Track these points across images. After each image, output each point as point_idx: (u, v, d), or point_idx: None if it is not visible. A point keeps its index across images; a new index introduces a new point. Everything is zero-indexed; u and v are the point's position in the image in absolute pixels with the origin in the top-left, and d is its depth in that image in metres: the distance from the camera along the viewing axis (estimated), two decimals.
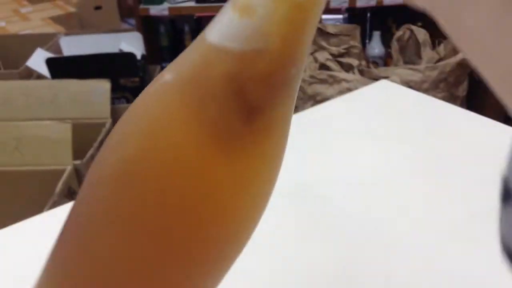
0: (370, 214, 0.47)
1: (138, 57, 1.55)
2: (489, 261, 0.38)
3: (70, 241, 0.21)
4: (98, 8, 2.74)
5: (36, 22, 2.32)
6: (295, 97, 0.21)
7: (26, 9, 2.55)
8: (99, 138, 1.45)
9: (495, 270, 0.38)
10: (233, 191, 0.20)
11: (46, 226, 0.48)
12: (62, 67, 1.52)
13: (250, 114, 0.19)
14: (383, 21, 1.95)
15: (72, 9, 2.63)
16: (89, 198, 0.21)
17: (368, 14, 1.96)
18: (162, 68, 1.83)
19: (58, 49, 1.66)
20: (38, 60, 1.53)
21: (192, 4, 1.75)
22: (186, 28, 1.82)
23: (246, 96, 0.19)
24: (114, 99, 1.57)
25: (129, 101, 1.57)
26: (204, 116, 0.19)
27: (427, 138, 0.60)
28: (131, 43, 1.60)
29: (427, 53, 1.67)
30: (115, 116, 1.55)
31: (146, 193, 0.19)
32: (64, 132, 1.34)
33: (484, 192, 0.42)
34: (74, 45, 1.60)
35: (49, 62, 1.51)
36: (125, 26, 2.86)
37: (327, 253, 0.42)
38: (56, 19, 2.40)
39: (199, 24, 1.95)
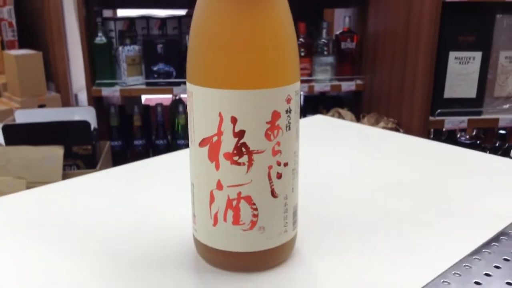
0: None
1: (91, 127, 1.65)
2: None
3: None
4: (42, 106, 2.85)
5: None
6: None
7: None
8: None
9: None
10: None
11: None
12: (16, 134, 1.59)
13: None
14: (315, 108, 2.17)
15: (16, 105, 2.72)
16: None
17: (302, 100, 2.18)
18: (111, 146, 1.93)
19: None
20: None
21: (143, 87, 1.91)
22: (136, 111, 1.96)
23: None
24: (65, 166, 1.63)
25: (80, 168, 1.63)
26: None
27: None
28: (85, 117, 1.70)
29: None
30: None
31: None
32: (19, 187, 1.38)
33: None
34: (29, 117, 1.68)
35: (4, 129, 1.58)
36: None
37: None
38: None
39: (147, 109, 2.10)
